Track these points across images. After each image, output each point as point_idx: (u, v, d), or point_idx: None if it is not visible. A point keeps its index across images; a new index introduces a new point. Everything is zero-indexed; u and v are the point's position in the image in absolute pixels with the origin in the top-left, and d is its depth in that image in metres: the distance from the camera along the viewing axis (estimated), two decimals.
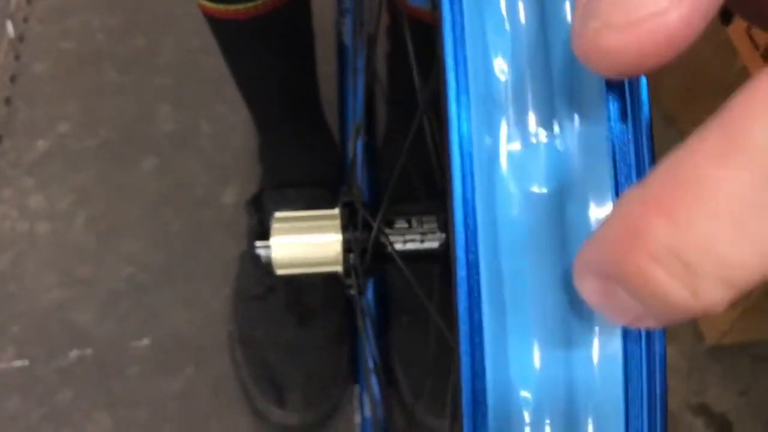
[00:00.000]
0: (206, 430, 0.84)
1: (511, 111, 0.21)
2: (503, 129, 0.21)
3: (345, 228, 0.56)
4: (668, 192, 0.13)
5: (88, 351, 0.89)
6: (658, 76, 0.74)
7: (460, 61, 0.20)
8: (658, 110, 1.04)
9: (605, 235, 0.14)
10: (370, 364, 0.64)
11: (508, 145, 0.21)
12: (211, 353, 0.88)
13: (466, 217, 0.21)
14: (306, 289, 0.84)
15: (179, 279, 0.93)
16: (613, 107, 0.21)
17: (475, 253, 0.21)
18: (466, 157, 0.21)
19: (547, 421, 0.21)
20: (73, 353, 0.89)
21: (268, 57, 0.77)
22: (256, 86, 0.80)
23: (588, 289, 0.16)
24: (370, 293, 0.87)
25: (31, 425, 0.86)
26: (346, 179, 0.65)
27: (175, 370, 0.88)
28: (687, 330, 0.91)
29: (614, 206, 0.16)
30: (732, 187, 0.12)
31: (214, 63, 0.78)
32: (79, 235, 0.96)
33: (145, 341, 0.89)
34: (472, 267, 0.21)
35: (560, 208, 0.21)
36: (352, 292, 0.58)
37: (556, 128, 0.21)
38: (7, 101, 1.07)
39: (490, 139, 0.21)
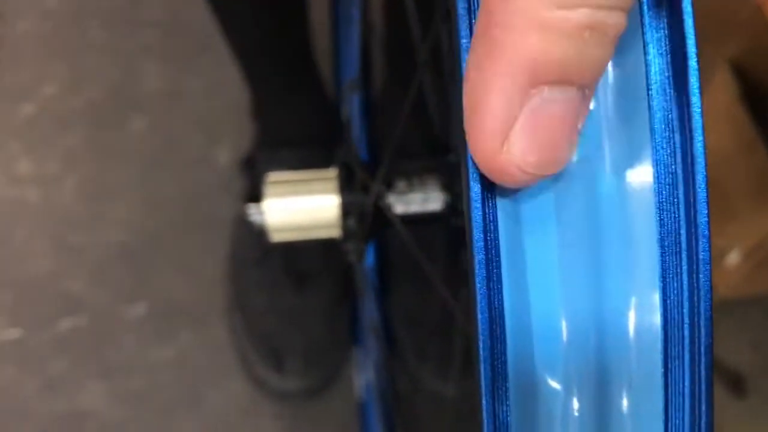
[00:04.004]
0: (202, 398, 0.82)
1: None
2: None
3: (342, 190, 0.52)
4: None
5: (82, 319, 0.86)
6: None
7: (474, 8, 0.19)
8: None
9: None
10: (370, 330, 0.62)
11: None
12: (207, 319, 0.85)
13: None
14: (303, 252, 0.81)
15: (173, 243, 0.90)
16: None
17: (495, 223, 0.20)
18: None
19: (575, 394, 0.20)
20: (67, 321, 0.87)
21: (253, 6, 0.73)
22: (243, 38, 0.75)
23: None
24: (369, 254, 0.84)
25: (26, 395, 0.84)
26: (343, 137, 0.61)
27: (171, 336, 0.85)
28: None
29: None
30: None
31: (200, 15, 0.74)
32: (69, 201, 0.93)
33: (140, 308, 0.87)
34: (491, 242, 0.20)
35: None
36: (352, 258, 0.54)
37: None
38: None
39: None
